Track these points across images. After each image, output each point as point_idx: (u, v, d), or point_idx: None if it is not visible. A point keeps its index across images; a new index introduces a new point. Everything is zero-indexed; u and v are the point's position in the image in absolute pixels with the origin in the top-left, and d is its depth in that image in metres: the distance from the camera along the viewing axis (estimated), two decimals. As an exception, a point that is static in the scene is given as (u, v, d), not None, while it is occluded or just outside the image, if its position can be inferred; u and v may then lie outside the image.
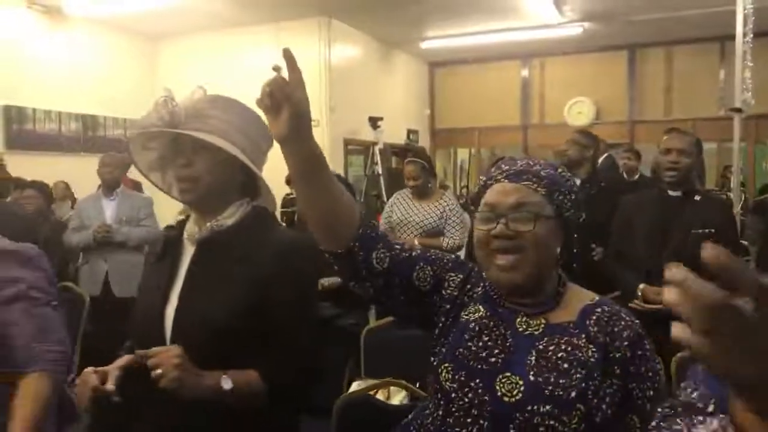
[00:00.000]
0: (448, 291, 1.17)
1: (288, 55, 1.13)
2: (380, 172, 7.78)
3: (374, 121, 7.83)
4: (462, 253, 3.59)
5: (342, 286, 3.21)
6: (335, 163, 7.70)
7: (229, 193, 1.35)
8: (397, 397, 2.29)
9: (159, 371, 1.13)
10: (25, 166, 6.09)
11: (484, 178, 1.18)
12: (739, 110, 4.36)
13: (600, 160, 4.67)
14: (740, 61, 4.38)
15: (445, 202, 3.64)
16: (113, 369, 1.27)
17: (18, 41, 6.59)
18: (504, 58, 9.50)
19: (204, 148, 1.28)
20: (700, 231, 2.34)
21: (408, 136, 9.35)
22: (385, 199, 7.47)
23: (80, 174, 5.87)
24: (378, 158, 7.79)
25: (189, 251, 1.36)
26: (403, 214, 3.62)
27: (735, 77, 4.44)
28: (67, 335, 1.55)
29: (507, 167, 1.14)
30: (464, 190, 10.75)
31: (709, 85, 8.49)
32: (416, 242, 3.51)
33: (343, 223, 1.13)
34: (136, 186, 4.83)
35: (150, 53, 8.29)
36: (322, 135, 7.52)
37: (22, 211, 3.66)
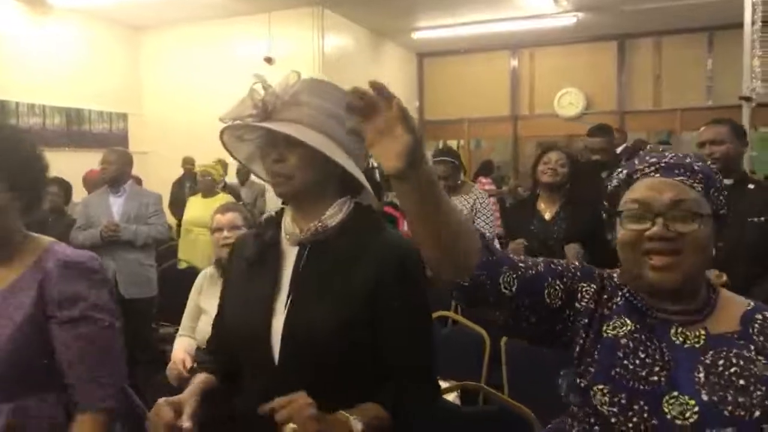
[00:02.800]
0: (583, 303, 1.06)
1: (377, 86, 0.91)
2: (376, 164, 7.66)
3: (368, 113, 7.71)
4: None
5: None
6: (329, 156, 7.57)
7: (328, 189, 1.23)
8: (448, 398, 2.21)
9: (293, 426, 0.99)
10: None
11: (627, 172, 1.08)
12: (748, 98, 4.37)
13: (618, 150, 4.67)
14: (749, 50, 4.39)
15: (475, 194, 3.56)
16: (189, 400, 1.16)
17: (1, 32, 6.30)
18: (493, 49, 9.46)
19: (298, 141, 1.17)
20: (756, 219, 2.30)
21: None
22: (384, 191, 7.38)
23: (65, 170, 5.61)
24: (372, 150, 7.69)
25: (289, 255, 1.23)
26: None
27: (744, 66, 4.46)
28: (124, 364, 1.40)
29: (655, 160, 1.05)
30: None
31: (698, 75, 8.57)
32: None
33: (465, 253, 1.00)
34: (137, 182, 4.65)
35: (134, 45, 8.03)
36: (316, 127, 7.38)
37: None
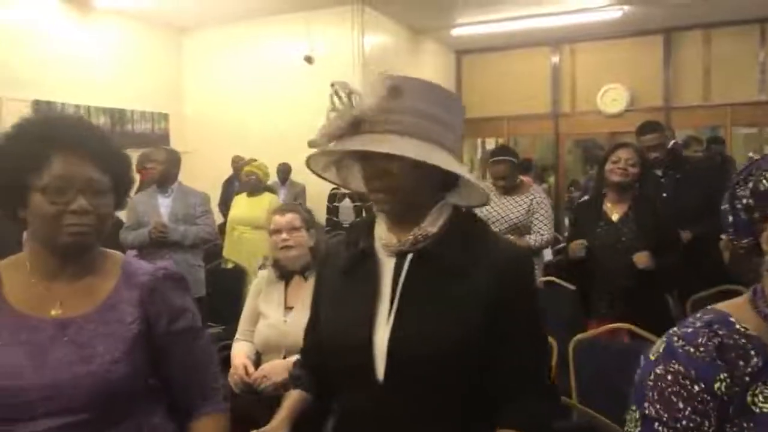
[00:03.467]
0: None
1: None
2: (415, 163, 7.57)
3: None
4: (548, 252, 3.43)
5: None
6: (369, 155, 7.50)
7: (426, 192, 1.13)
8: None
9: None
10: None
11: None
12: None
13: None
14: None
15: (532, 194, 3.43)
16: (281, 429, 1.14)
17: (47, 34, 6.40)
18: (533, 45, 9.26)
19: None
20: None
21: (437, 126, 9.12)
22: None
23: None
24: (412, 149, 7.59)
25: (387, 265, 1.13)
26: (487, 209, 3.42)
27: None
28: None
29: None
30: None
31: (749, 69, 8.25)
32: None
33: None
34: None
35: (175, 45, 8.09)
36: (355, 126, 7.31)
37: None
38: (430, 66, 9.18)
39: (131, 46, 7.40)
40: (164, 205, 3.68)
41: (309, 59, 7.37)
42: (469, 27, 8.42)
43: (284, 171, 6.76)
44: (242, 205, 4.72)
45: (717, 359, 0.83)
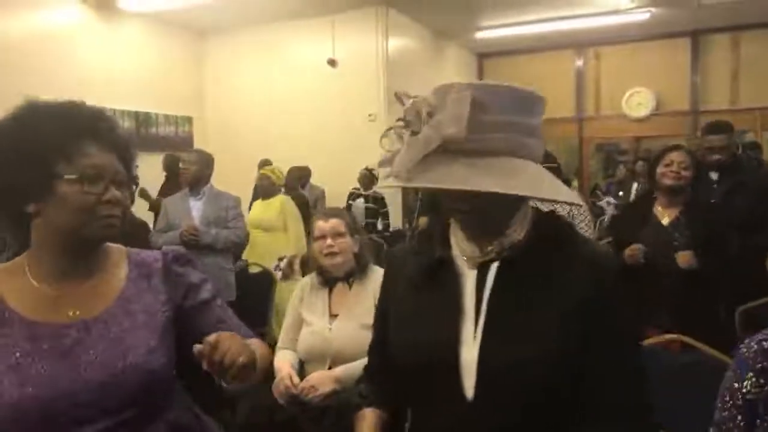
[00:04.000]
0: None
1: None
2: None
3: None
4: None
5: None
6: (392, 159, 7.44)
7: (514, 201, 1.03)
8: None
9: None
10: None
11: None
12: None
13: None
14: None
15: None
16: None
17: (72, 37, 6.44)
18: (557, 48, 9.17)
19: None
20: None
21: (459, 130, 9.05)
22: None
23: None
24: (436, 153, 7.52)
25: (467, 277, 1.05)
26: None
27: None
28: None
29: None
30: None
31: (779, 72, 8.11)
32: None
33: None
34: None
35: (198, 48, 8.11)
36: (380, 130, 7.21)
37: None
38: (452, 69, 9.12)
39: (155, 49, 7.42)
40: (196, 207, 3.64)
41: (332, 62, 7.34)
42: (493, 30, 8.35)
43: (304, 175, 6.74)
44: (256, 209, 4.74)
45: None
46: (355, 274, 2.16)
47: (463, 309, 1.02)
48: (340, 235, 2.13)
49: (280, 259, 4.38)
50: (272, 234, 4.40)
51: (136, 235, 3.70)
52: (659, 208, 2.64)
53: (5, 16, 5.82)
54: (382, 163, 0.98)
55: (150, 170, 5.37)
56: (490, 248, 1.03)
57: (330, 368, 2.03)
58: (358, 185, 6.63)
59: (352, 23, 7.31)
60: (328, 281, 2.19)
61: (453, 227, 1.10)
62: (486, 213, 1.00)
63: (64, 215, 1.06)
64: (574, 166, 9.67)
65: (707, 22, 8.09)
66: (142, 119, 7.15)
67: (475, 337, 1.00)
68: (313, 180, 6.98)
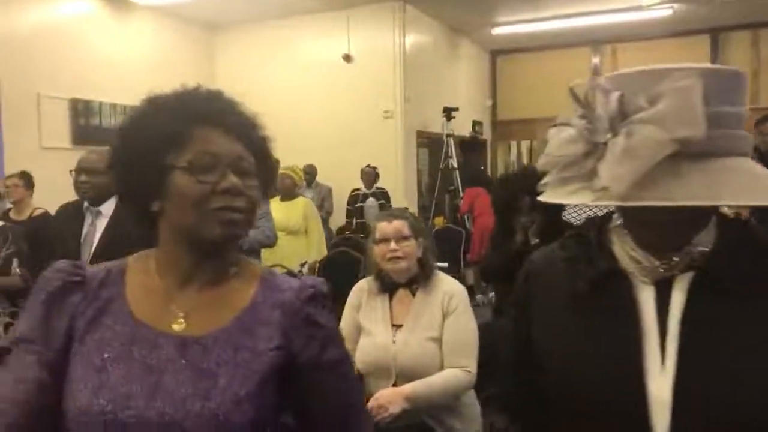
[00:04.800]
0: None
1: None
2: (455, 165, 7.36)
3: (449, 112, 7.41)
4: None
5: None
6: (408, 157, 7.29)
7: (714, 207, 0.86)
8: None
9: None
10: (92, 163, 5.76)
11: None
12: None
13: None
14: None
15: None
16: None
17: (83, 32, 6.26)
18: (573, 45, 9.02)
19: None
20: None
21: (473, 128, 8.91)
22: (461, 194, 7.07)
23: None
24: (453, 151, 7.38)
25: (644, 293, 0.88)
26: (576, 219, 3.16)
27: None
28: None
29: None
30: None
31: (800, 71, 7.98)
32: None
33: None
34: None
35: (208, 43, 7.92)
36: (395, 127, 7.12)
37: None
38: (466, 65, 8.96)
39: (166, 43, 7.24)
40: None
41: (347, 58, 7.18)
42: (508, 26, 8.20)
43: (310, 172, 6.58)
44: (276, 210, 4.51)
45: None
46: (419, 280, 1.99)
47: (642, 332, 0.85)
48: (404, 238, 1.96)
49: (302, 264, 4.22)
50: (295, 237, 4.23)
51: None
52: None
53: (17, 8, 5.64)
54: (559, 171, 0.81)
55: None
56: (675, 260, 0.85)
57: (395, 384, 1.86)
58: (360, 184, 6.45)
59: (367, 18, 7.14)
60: (388, 287, 2.02)
61: (617, 233, 0.93)
62: (685, 222, 0.83)
63: (178, 210, 0.92)
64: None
65: (727, 20, 7.95)
66: (153, 115, 6.95)
67: (663, 365, 0.83)
68: (325, 178, 6.82)
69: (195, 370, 0.89)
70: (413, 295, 1.99)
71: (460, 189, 7.22)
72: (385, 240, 1.97)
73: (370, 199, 6.38)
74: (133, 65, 6.73)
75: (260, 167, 0.97)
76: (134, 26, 6.81)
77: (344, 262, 4.49)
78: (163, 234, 0.96)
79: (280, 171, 4.71)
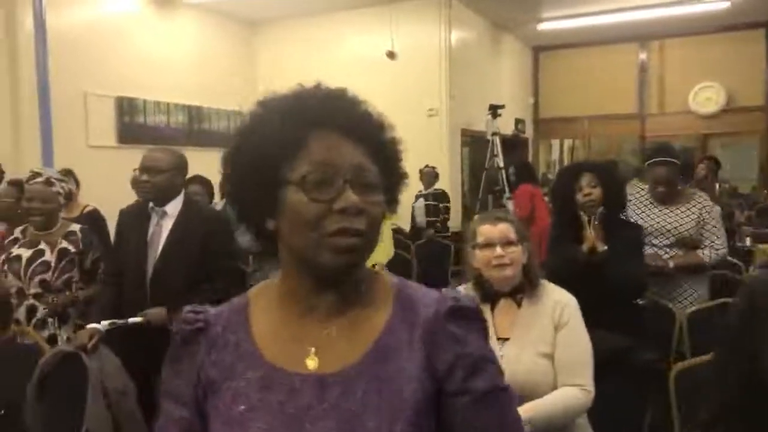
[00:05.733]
0: None
1: None
2: (501, 165, 7.15)
3: (494, 110, 7.22)
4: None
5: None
6: (453, 157, 7.11)
7: None
8: None
9: None
10: (135, 161, 5.69)
11: None
12: None
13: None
14: None
15: (700, 203, 2.96)
16: None
17: (128, 30, 6.21)
18: (619, 41, 8.76)
19: None
20: None
21: (516, 126, 8.69)
22: (508, 194, 6.87)
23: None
24: (499, 150, 7.17)
25: None
26: (645, 221, 2.97)
27: None
28: None
29: None
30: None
31: None
32: (671, 264, 2.88)
33: None
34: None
35: (250, 40, 7.84)
36: (440, 125, 6.95)
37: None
38: (507, 63, 8.75)
39: (208, 41, 7.18)
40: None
41: (391, 55, 7.02)
42: (554, 21, 7.97)
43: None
44: None
45: None
46: (524, 289, 1.83)
47: None
48: (510, 242, 1.79)
49: (373, 266, 4.06)
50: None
51: (215, 230, 3.37)
52: None
53: (66, 7, 5.60)
54: None
55: (203, 167, 5.01)
56: None
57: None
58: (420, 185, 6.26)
59: (412, 14, 6.98)
60: (489, 296, 1.86)
61: None
62: None
63: (292, 232, 0.78)
64: (635, 166, 9.24)
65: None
66: (195, 114, 6.90)
67: None
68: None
69: (339, 414, 0.76)
70: (518, 305, 1.83)
71: (507, 189, 7.02)
72: (490, 245, 1.80)
73: (420, 200, 6.21)
74: (175, 63, 6.68)
75: (387, 178, 0.82)
76: (177, 23, 6.76)
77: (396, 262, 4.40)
78: (282, 256, 0.82)
79: None
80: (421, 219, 6.21)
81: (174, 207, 2.51)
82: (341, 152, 0.77)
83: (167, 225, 2.49)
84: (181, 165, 2.56)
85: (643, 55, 8.83)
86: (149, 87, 6.35)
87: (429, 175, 6.24)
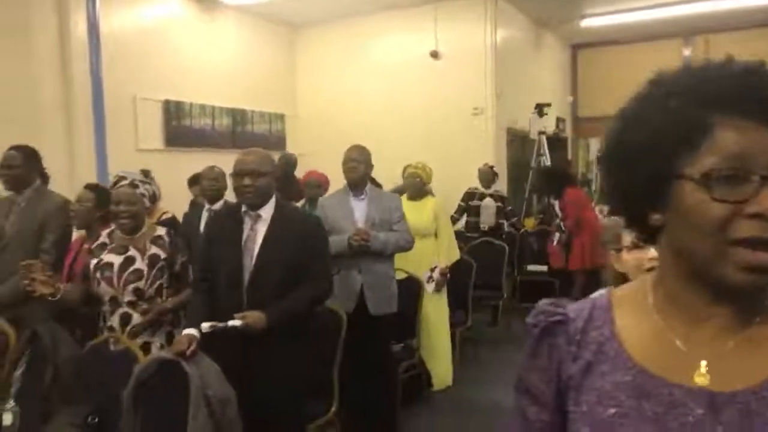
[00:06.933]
0: None
1: None
2: (548, 164, 7.03)
3: (540, 108, 7.10)
4: None
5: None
6: (498, 157, 6.99)
7: None
8: None
9: None
10: (182, 164, 5.67)
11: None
12: None
13: None
14: None
15: None
16: None
17: (173, 33, 6.19)
18: (661, 37, 8.58)
19: None
20: None
21: (557, 125, 8.55)
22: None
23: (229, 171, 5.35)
24: (545, 149, 7.05)
25: None
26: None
27: None
28: None
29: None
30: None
31: None
32: None
33: None
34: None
35: (290, 43, 7.79)
36: (486, 125, 6.84)
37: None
38: (547, 61, 8.62)
39: (250, 44, 7.14)
40: (359, 209, 3.26)
41: (435, 54, 6.93)
42: (597, 18, 7.82)
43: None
44: (405, 210, 4.25)
45: None
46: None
47: None
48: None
49: (432, 269, 3.97)
50: (425, 240, 3.96)
51: (310, 233, 3.29)
52: None
53: (117, 12, 5.58)
54: None
55: None
56: None
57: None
58: (476, 184, 6.11)
59: (456, 13, 6.88)
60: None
61: None
62: None
63: (684, 234, 0.67)
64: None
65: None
66: (239, 117, 6.86)
67: None
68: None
69: None
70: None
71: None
72: (639, 246, 1.69)
73: (488, 199, 6.03)
74: (218, 66, 6.65)
75: None
76: (219, 26, 6.72)
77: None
78: (664, 255, 0.72)
79: (409, 169, 4.49)
80: (490, 219, 6.01)
81: (268, 210, 2.43)
82: (761, 143, 0.63)
83: (261, 229, 2.42)
84: (276, 167, 2.49)
85: (687, 51, 8.65)
86: (194, 90, 6.32)
87: (487, 174, 6.02)
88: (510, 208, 6.09)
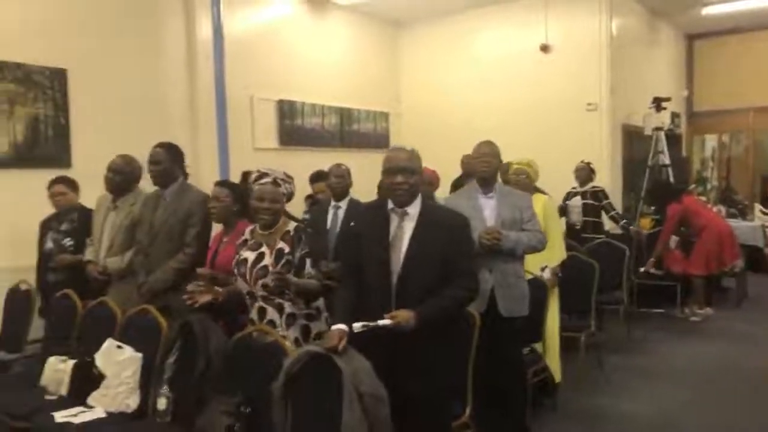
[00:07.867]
0: None
1: None
2: (667, 161, 6.65)
3: (658, 103, 6.72)
4: None
5: None
6: (613, 153, 6.68)
7: None
8: None
9: None
10: (294, 162, 5.78)
11: None
12: None
13: None
14: None
15: None
16: None
17: (287, 33, 6.35)
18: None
19: None
20: None
21: (672, 120, 8.07)
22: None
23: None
24: (664, 146, 6.67)
25: None
26: None
27: None
28: None
29: None
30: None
31: None
32: None
33: None
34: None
35: (394, 40, 7.80)
36: (600, 120, 6.55)
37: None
38: (662, 53, 8.15)
39: (357, 43, 7.22)
40: (488, 207, 3.17)
41: (545, 48, 6.72)
42: (719, 5, 7.31)
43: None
44: None
45: None
46: None
47: None
48: None
49: (543, 269, 3.82)
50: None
51: (457, 231, 3.22)
52: None
53: (237, 14, 5.78)
54: None
55: (354, 168, 4.86)
56: None
57: None
58: (575, 183, 5.88)
59: (568, 4, 6.64)
60: None
61: None
62: None
63: None
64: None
65: None
66: (346, 116, 6.94)
67: None
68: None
69: None
70: None
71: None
72: None
73: (576, 198, 5.84)
74: (328, 65, 6.76)
75: None
76: (329, 25, 6.83)
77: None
78: None
79: (515, 165, 4.36)
80: (578, 218, 5.81)
81: (414, 208, 2.40)
82: None
83: (409, 226, 2.38)
84: (421, 164, 2.45)
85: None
86: (305, 90, 6.45)
87: (582, 171, 5.82)
88: (607, 201, 5.75)
